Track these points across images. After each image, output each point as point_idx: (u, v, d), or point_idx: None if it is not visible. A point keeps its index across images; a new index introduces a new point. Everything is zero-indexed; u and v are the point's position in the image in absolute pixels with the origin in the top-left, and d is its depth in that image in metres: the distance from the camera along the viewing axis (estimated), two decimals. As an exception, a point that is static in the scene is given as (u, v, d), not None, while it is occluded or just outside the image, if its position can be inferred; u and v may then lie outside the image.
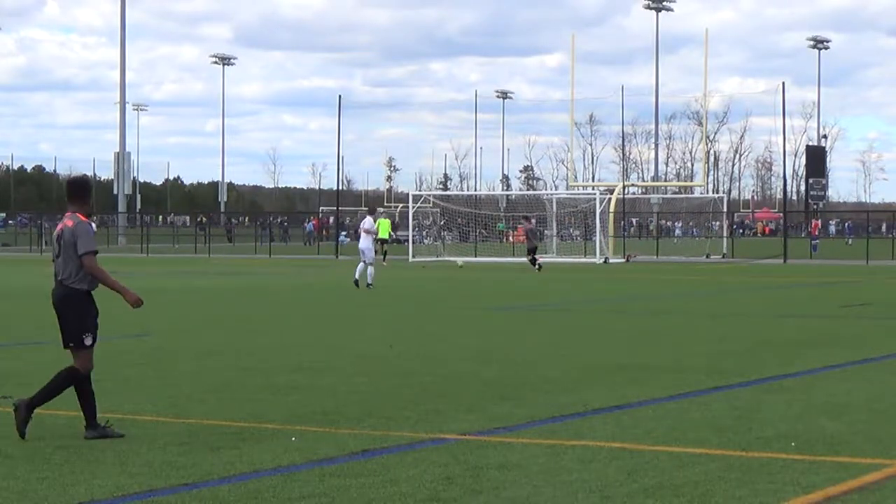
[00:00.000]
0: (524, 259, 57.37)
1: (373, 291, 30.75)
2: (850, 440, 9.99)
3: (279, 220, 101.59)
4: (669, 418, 11.07)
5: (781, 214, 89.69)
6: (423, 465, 8.95)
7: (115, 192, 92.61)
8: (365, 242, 33.09)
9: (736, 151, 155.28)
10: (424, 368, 14.80)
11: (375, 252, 36.76)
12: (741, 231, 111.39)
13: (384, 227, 54.37)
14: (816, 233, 68.33)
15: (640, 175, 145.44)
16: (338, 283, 34.87)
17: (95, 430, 10.01)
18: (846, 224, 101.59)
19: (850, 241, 67.16)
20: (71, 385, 10.29)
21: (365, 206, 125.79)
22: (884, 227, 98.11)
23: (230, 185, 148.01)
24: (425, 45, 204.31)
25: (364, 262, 32.51)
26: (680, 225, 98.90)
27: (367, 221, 33.92)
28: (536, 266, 43.31)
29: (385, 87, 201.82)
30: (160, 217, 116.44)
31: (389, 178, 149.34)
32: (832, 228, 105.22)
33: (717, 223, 79.40)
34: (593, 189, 71.70)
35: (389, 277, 35.78)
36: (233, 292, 31.58)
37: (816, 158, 76.10)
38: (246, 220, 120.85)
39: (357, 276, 32.37)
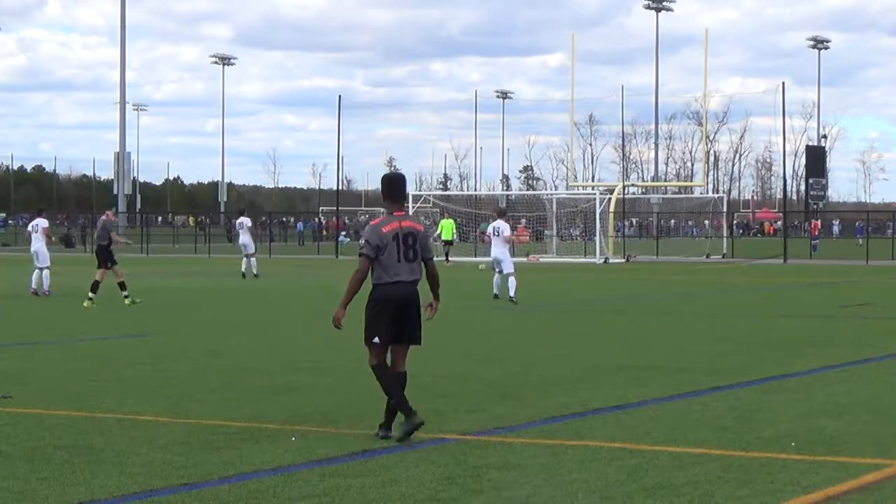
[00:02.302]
0: (524, 259, 57.44)
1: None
2: (850, 440, 9.99)
3: (285, 220, 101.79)
4: (669, 418, 11.07)
5: (781, 214, 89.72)
6: (423, 465, 8.95)
7: (115, 192, 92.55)
8: (498, 250, 27.37)
9: (736, 151, 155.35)
10: (424, 368, 14.79)
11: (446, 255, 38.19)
12: (742, 231, 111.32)
13: (447, 229, 54.37)
14: (816, 233, 68.35)
15: (640, 175, 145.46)
16: (338, 284, 34.86)
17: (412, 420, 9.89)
18: (857, 224, 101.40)
19: (860, 241, 67.18)
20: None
21: (365, 207, 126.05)
22: (891, 228, 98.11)
23: (230, 185, 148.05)
24: (426, 45, 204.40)
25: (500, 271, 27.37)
26: (691, 223, 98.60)
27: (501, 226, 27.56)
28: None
29: (385, 87, 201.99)
30: (159, 217, 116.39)
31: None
32: (835, 229, 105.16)
33: (716, 222, 79.41)
34: (593, 189, 71.66)
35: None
36: (233, 292, 31.58)
37: (816, 158, 76.06)
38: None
39: (496, 289, 27.71)
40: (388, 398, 10.06)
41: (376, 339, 10.00)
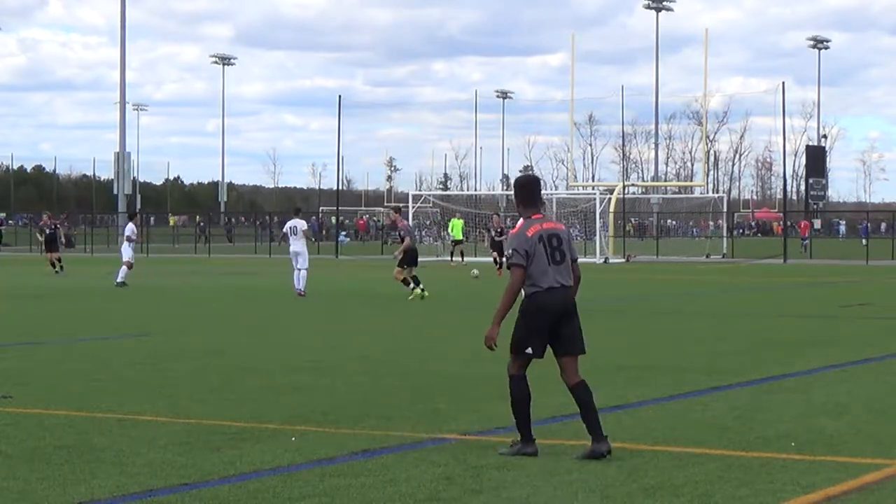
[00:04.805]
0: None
1: (372, 291, 30.72)
2: (850, 440, 9.99)
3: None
4: (669, 418, 11.07)
5: (781, 214, 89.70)
6: (423, 464, 8.95)
7: (115, 192, 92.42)
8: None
9: (736, 151, 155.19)
10: (424, 368, 14.80)
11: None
12: (742, 231, 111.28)
13: (457, 228, 54.30)
14: (807, 234, 68.55)
15: (640, 175, 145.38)
16: (338, 283, 34.87)
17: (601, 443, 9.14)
18: (859, 225, 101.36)
19: (865, 241, 67.29)
20: None
21: (365, 206, 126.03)
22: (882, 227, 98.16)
23: (230, 185, 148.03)
24: (427, 44, 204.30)
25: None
26: (691, 224, 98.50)
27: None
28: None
29: (386, 87, 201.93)
30: (152, 218, 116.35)
31: (390, 178, 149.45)
32: (842, 228, 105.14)
33: (717, 222, 79.37)
34: (593, 189, 71.68)
35: (390, 277, 35.75)
36: (233, 292, 31.58)
37: (816, 158, 76.17)
38: (247, 219, 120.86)
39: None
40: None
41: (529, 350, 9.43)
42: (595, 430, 9.20)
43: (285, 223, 32.41)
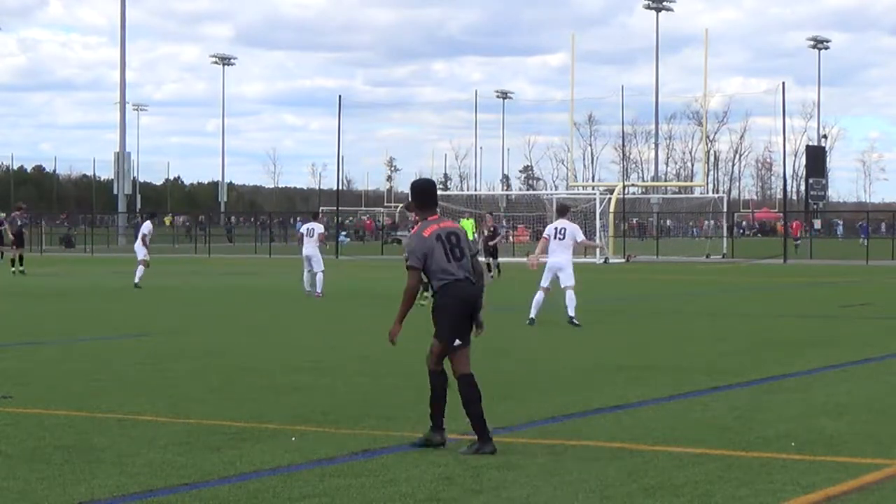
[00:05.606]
0: (523, 259, 57.35)
1: (372, 291, 30.73)
2: (850, 440, 9.99)
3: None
4: (669, 418, 11.07)
5: (781, 214, 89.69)
6: (423, 464, 8.95)
7: (115, 192, 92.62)
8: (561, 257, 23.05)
9: (736, 151, 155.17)
10: (424, 368, 14.79)
11: None
12: (743, 231, 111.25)
13: (468, 229, 54.33)
14: (798, 234, 68.68)
15: (640, 175, 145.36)
16: (338, 283, 34.87)
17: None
18: (858, 224, 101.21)
19: (862, 241, 67.35)
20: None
21: (365, 206, 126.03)
22: (883, 227, 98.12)
23: (230, 185, 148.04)
24: (426, 44, 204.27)
25: None
26: (692, 224, 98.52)
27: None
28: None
29: (386, 87, 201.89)
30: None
31: (390, 178, 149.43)
32: (840, 229, 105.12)
33: (715, 222, 79.39)
34: (593, 189, 71.68)
35: (391, 277, 35.80)
36: (233, 292, 31.58)
37: (816, 158, 76.08)
38: (247, 219, 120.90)
39: None
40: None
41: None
42: (477, 427, 9.44)
43: (302, 224, 32.25)
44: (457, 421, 10.86)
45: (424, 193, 9.99)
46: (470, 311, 9.75)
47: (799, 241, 66.68)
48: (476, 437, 9.49)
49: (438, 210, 10.04)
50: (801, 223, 72.89)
